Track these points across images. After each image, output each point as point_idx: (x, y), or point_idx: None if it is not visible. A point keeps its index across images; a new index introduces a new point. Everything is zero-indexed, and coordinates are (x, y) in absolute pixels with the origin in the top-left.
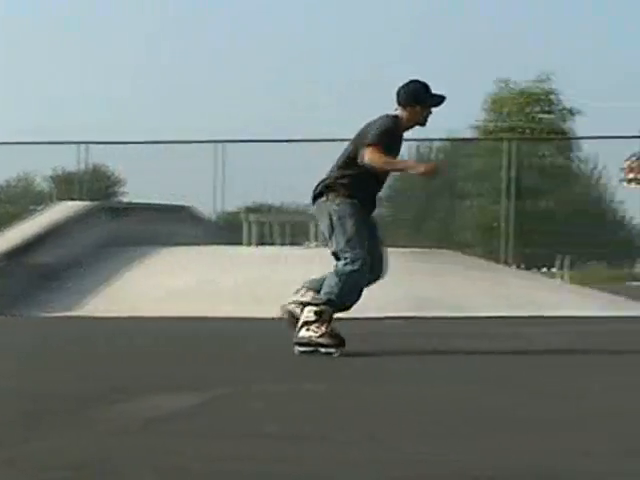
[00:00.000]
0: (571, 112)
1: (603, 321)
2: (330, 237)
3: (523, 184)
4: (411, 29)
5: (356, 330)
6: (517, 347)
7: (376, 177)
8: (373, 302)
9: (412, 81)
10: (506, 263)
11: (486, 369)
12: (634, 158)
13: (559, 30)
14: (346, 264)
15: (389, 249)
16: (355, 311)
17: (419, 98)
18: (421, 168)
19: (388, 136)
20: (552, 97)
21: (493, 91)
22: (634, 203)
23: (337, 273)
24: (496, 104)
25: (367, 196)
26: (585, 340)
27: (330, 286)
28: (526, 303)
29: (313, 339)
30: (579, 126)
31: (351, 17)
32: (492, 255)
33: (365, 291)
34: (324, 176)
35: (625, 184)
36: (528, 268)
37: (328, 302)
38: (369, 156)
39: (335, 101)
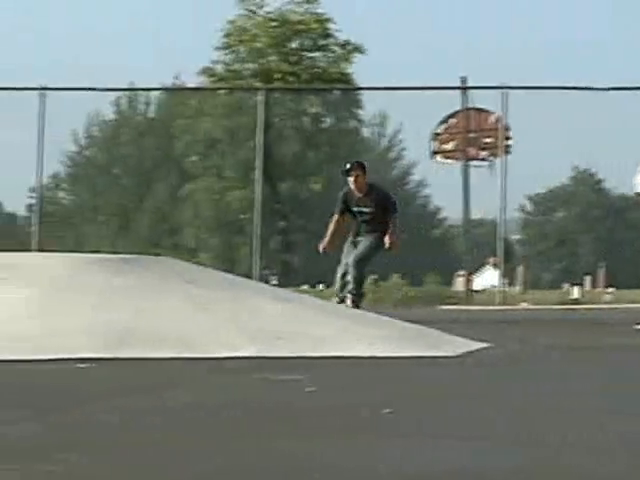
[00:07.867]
0: (357, 50)
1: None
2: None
3: (279, 157)
4: None
5: None
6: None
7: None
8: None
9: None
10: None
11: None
12: (445, 125)
13: None
14: None
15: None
16: None
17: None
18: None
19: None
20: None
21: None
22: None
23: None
24: (235, 36)
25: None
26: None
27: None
28: (290, 336)
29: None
30: (362, 72)
31: None
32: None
33: None
34: None
35: (437, 158)
36: (287, 284)
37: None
38: None
39: None
